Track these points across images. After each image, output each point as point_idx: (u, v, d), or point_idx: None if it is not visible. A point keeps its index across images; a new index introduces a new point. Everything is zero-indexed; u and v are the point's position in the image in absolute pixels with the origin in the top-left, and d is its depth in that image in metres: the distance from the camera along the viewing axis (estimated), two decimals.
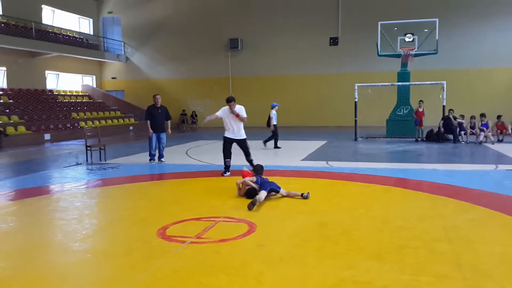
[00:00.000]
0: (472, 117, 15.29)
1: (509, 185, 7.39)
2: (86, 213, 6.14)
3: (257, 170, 7.08)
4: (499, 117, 15.48)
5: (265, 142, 14.06)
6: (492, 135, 14.82)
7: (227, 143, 8.85)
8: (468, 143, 14.60)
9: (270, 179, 6.99)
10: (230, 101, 8.68)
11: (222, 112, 8.81)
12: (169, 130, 11.02)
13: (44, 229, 5.47)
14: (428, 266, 3.86)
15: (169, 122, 11.00)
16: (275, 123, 13.76)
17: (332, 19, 25.43)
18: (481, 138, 14.48)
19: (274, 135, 13.88)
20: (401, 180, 8.18)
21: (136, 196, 7.29)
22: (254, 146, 14.64)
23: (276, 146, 13.89)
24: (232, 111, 8.69)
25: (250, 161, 8.82)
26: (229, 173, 8.84)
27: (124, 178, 8.91)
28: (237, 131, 8.82)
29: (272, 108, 13.90)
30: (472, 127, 15.17)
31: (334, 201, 6.58)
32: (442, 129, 15.24)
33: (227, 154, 8.86)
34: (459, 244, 4.42)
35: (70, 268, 4.07)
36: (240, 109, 8.75)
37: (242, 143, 8.90)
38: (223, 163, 8.96)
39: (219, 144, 9.26)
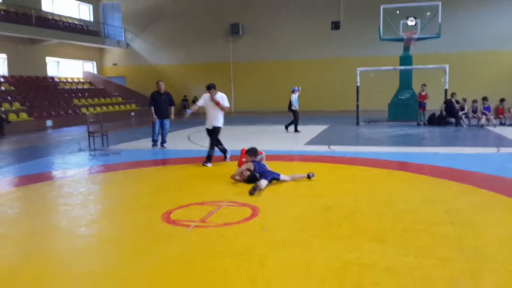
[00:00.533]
0: (474, 101, 15.24)
1: (511, 167, 7.41)
2: (90, 199, 6.19)
3: (253, 152, 7.01)
4: (502, 100, 15.42)
5: (286, 126, 14.22)
6: (494, 118, 14.79)
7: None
8: (470, 127, 14.58)
9: (273, 164, 6.99)
10: (210, 88, 8.41)
11: (203, 100, 8.56)
12: (172, 116, 11.03)
13: (49, 215, 5.52)
14: (431, 249, 3.89)
15: (172, 108, 11.02)
16: (296, 108, 13.88)
17: (333, 3, 25.14)
18: (483, 121, 14.45)
19: (294, 119, 13.99)
20: (403, 164, 8.19)
21: (139, 181, 7.32)
22: (264, 130, 14.65)
23: (295, 130, 14.00)
24: (212, 99, 8.43)
25: (209, 156, 8.44)
26: (229, 155, 8.89)
27: (126, 164, 8.93)
28: (215, 119, 8.47)
29: (292, 93, 14.01)
30: (474, 111, 15.12)
31: (337, 185, 6.61)
32: (444, 113, 15.20)
33: (217, 142, 8.70)
34: (461, 227, 4.45)
35: (76, 253, 4.11)
36: (221, 97, 8.49)
37: (214, 131, 8.54)
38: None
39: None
